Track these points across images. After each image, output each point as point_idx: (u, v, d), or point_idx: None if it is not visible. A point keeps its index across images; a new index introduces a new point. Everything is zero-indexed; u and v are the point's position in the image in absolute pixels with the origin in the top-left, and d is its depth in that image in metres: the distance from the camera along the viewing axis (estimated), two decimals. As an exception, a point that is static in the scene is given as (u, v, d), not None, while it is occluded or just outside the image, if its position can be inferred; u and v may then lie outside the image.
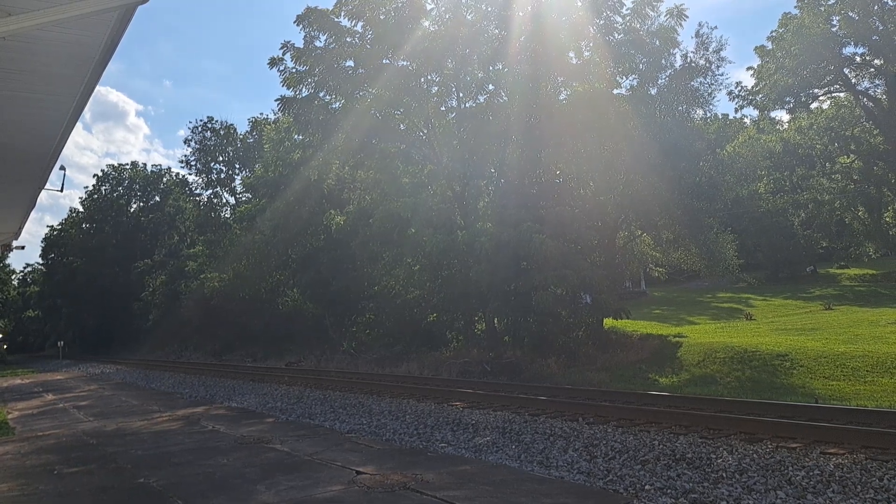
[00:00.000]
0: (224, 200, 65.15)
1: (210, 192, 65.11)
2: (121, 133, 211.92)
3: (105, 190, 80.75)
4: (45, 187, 13.87)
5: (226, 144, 63.48)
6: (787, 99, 48.54)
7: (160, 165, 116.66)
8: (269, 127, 47.63)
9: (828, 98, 50.13)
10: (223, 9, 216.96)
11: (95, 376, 35.97)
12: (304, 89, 24.58)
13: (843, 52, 45.14)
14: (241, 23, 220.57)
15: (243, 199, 57.81)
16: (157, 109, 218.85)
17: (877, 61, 44.49)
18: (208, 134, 63.28)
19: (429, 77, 24.61)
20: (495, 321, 23.68)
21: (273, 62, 24.65)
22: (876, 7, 42.39)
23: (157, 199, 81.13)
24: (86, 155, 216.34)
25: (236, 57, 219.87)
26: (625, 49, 22.03)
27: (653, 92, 22.79)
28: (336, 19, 24.13)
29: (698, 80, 22.79)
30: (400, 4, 23.37)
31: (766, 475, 7.27)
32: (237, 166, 63.80)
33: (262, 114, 74.49)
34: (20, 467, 9.75)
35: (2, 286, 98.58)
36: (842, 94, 48.75)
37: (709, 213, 23.10)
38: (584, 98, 21.44)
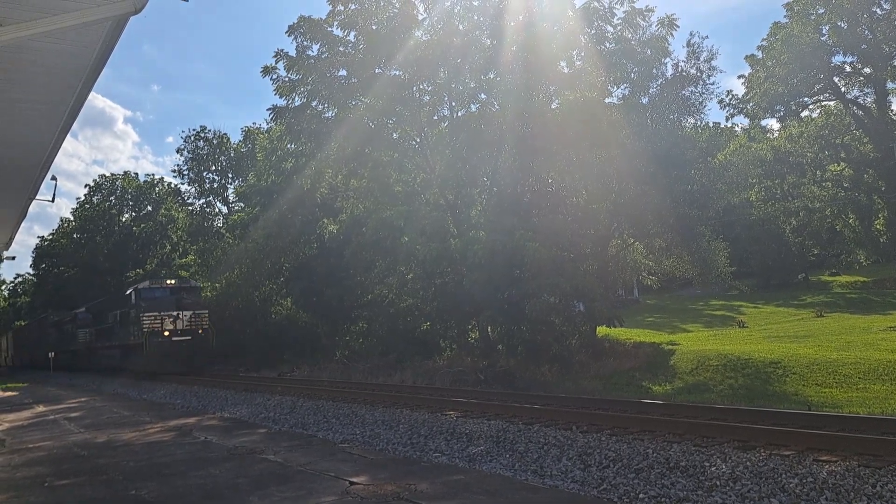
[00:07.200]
0: (217, 210, 65.03)
1: (203, 201, 65.01)
2: (108, 140, 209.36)
3: (96, 199, 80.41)
4: (36, 197, 13.84)
5: (218, 154, 63.37)
6: (778, 107, 48.98)
7: (153, 174, 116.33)
8: (261, 136, 47.53)
9: (818, 106, 50.66)
10: (213, 12, 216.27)
11: (86, 387, 35.68)
12: (296, 98, 24.65)
13: (833, 60, 45.64)
14: (233, 26, 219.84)
15: (236, 208, 57.66)
16: (146, 115, 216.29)
17: (866, 70, 44.94)
18: (201, 143, 63.13)
19: (421, 86, 24.70)
20: (489, 329, 23.66)
21: (266, 70, 24.69)
22: (864, 16, 42.85)
23: (150, 208, 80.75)
24: (73, 162, 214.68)
25: (228, 61, 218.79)
26: (616, 58, 22.20)
27: (644, 101, 22.97)
28: (329, 29, 24.21)
29: (689, 88, 22.91)
30: (392, 14, 23.46)
31: (759, 483, 7.27)
32: (230, 175, 63.68)
33: (255, 123, 74.49)
34: (10, 480, 9.66)
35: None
36: (832, 103, 49.23)
37: (701, 220, 23.19)
38: (576, 107, 21.52)
